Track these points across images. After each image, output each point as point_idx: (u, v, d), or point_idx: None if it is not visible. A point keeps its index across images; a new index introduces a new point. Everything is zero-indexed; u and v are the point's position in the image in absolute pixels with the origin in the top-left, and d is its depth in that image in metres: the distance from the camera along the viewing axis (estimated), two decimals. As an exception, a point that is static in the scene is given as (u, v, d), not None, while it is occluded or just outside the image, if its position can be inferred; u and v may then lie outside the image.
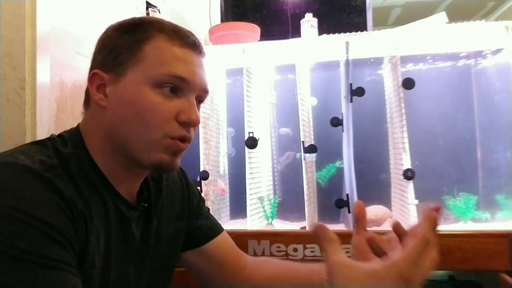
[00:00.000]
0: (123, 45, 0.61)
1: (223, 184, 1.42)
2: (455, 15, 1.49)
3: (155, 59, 0.60)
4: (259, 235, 1.16)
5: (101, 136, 0.62)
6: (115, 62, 0.61)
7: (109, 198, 0.61)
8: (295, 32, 1.65)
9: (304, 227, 1.24)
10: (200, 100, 0.65)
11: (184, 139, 0.62)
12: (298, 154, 1.35)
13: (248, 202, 1.25)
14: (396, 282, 0.39)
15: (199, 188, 1.28)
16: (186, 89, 0.61)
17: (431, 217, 0.43)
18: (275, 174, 1.50)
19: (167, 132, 0.60)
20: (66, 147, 0.60)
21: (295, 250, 1.13)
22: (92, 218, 0.57)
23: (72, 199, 0.53)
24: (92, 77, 0.62)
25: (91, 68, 0.63)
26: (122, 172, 0.63)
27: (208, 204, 1.28)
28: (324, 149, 1.34)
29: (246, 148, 1.27)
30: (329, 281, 0.43)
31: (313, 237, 0.46)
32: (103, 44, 0.63)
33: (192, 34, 0.64)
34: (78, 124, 0.65)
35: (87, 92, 0.64)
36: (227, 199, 1.50)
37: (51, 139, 0.61)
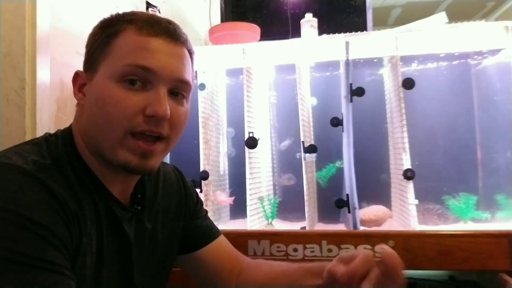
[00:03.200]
0: (96, 42, 0.60)
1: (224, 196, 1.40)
2: (455, 15, 1.49)
3: (121, 52, 0.57)
4: (259, 235, 1.16)
5: (83, 135, 0.61)
6: (90, 60, 0.60)
7: (100, 197, 0.60)
8: (295, 32, 1.65)
9: (304, 227, 1.23)
10: (178, 92, 0.61)
11: (152, 134, 0.58)
12: (298, 154, 1.35)
13: (248, 202, 1.25)
14: None
15: (199, 188, 1.28)
16: (155, 80, 0.57)
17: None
18: (275, 174, 1.50)
19: (129, 128, 0.56)
20: (58, 146, 0.59)
21: (295, 250, 1.13)
22: (85, 218, 0.56)
23: (65, 200, 0.53)
24: (74, 78, 0.62)
25: None
26: (109, 172, 0.62)
27: (208, 204, 1.28)
28: (324, 149, 1.33)
29: (246, 148, 1.27)
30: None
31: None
32: (86, 44, 0.63)
33: (169, 22, 0.61)
34: (71, 123, 0.65)
35: None
36: (227, 199, 1.50)
37: (45, 138, 0.61)
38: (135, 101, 0.56)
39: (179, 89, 0.61)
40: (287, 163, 1.47)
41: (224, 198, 1.35)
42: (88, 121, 0.60)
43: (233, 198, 1.34)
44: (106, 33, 0.59)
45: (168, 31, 0.59)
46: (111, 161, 0.58)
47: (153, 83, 0.57)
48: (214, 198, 1.33)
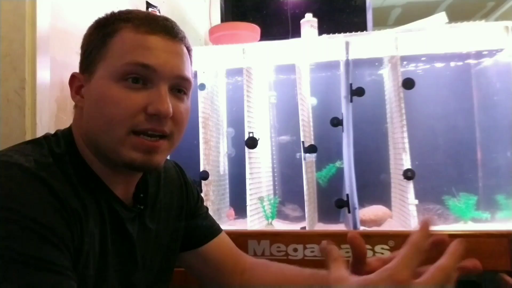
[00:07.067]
0: (93, 42, 0.59)
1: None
2: (455, 15, 1.49)
3: (119, 51, 0.57)
4: (259, 235, 1.16)
5: (83, 137, 0.61)
6: (87, 61, 0.60)
7: (102, 197, 0.60)
8: (295, 32, 1.65)
9: (304, 227, 1.24)
10: (179, 89, 0.60)
11: (155, 133, 0.57)
12: (298, 154, 1.35)
13: (248, 202, 1.25)
14: (389, 285, 0.38)
15: (199, 188, 1.28)
16: (155, 78, 0.57)
17: (424, 225, 0.42)
18: (275, 174, 1.50)
19: (131, 127, 0.56)
20: (60, 146, 0.59)
21: (295, 250, 1.13)
22: (88, 218, 0.56)
23: (66, 199, 0.52)
24: (71, 80, 0.62)
25: None
26: (111, 173, 0.61)
27: (208, 204, 1.28)
28: (324, 149, 1.33)
29: (246, 148, 1.27)
30: None
31: (321, 252, 0.47)
32: (81, 45, 0.63)
33: (166, 19, 0.61)
34: (71, 124, 0.65)
35: None
36: (227, 199, 1.50)
37: (46, 138, 0.60)
38: (136, 100, 0.56)
39: (180, 86, 0.60)
40: (287, 163, 1.47)
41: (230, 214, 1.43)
42: (88, 122, 0.59)
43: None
44: (103, 33, 0.59)
45: (166, 28, 0.59)
46: (115, 161, 0.58)
47: (153, 81, 0.57)
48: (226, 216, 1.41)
